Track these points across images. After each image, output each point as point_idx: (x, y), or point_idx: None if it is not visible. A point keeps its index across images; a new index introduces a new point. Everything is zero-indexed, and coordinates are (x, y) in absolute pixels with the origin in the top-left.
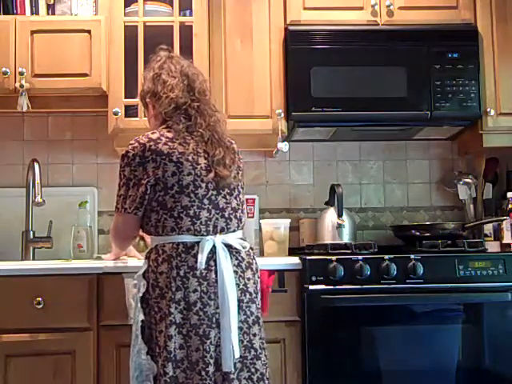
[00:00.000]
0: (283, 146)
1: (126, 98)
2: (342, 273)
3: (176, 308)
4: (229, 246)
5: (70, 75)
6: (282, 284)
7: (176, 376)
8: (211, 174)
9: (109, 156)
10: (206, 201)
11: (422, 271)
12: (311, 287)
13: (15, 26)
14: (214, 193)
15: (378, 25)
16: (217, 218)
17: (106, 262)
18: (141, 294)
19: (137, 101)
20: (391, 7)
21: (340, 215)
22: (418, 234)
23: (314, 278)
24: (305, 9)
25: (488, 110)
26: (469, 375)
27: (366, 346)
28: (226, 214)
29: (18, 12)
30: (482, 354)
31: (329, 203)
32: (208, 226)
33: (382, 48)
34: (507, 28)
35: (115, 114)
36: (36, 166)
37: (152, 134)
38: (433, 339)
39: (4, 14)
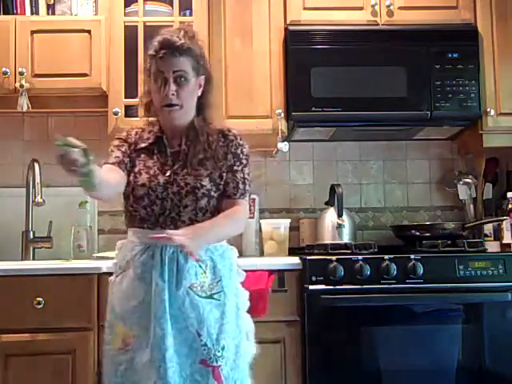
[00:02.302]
0: (283, 146)
1: (126, 98)
2: (342, 273)
3: None
4: None
5: (70, 75)
6: (282, 284)
7: None
8: None
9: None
10: None
11: (422, 271)
12: (311, 287)
13: (15, 26)
14: None
15: (378, 25)
16: None
17: (107, 262)
18: None
19: (137, 101)
20: (391, 7)
21: (340, 215)
22: (418, 234)
23: (314, 278)
24: (305, 9)
25: (488, 109)
26: (469, 375)
27: (366, 346)
28: None
29: (18, 12)
30: (482, 354)
31: (329, 203)
32: None
33: (382, 48)
34: (507, 28)
35: (115, 114)
36: (36, 166)
37: None
38: (433, 339)
39: (4, 14)
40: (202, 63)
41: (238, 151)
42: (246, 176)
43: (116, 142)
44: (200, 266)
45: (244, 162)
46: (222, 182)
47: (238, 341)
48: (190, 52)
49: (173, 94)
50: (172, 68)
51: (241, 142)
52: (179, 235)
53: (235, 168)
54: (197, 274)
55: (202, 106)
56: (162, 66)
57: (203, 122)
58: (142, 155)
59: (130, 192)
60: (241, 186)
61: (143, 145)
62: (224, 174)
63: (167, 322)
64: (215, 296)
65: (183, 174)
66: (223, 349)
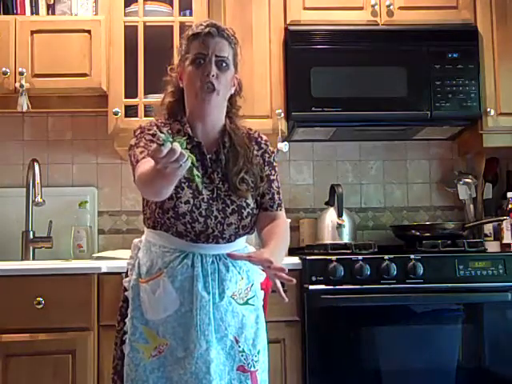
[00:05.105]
0: (283, 146)
1: (126, 98)
2: (342, 273)
3: None
4: None
5: (69, 75)
6: (282, 284)
7: None
8: None
9: (109, 156)
10: None
11: (421, 271)
12: (311, 287)
13: (15, 26)
14: None
15: (378, 25)
16: None
17: (107, 262)
18: None
19: (137, 101)
20: (391, 7)
21: (340, 215)
22: (418, 234)
23: (314, 278)
24: (305, 9)
25: (488, 110)
26: (469, 375)
27: (366, 345)
28: None
29: (18, 12)
30: (482, 354)
31: (329, 203)
32: None
33: (381, 48)
34: (507, 28)
35: (115, 114)
36: (36, 166)
37: None
38: (433, 339)
39: (4, 14)
40: (238, 61)
41: (271, 159)
42: (279, 185)
43: (148, 137)
44: (239, 273)
45: (276, 169)
46: (259, 196)
47: (265, 343)
48: (233, 41)
49: (213, 76)
50: (215, 49)
51: (272, 149)
52: (279, 267)
53: (271, 178)
54: (236, 282)
55: (230, 109)
56: (207, 42)
57: (235, 128)
58: None
59: (171, 207)
60: (276, 196)
61: None
62: (261, 188)
63: (212, 334)
64: (250, 301)
65: (225, 189)
66: (259, 353)
